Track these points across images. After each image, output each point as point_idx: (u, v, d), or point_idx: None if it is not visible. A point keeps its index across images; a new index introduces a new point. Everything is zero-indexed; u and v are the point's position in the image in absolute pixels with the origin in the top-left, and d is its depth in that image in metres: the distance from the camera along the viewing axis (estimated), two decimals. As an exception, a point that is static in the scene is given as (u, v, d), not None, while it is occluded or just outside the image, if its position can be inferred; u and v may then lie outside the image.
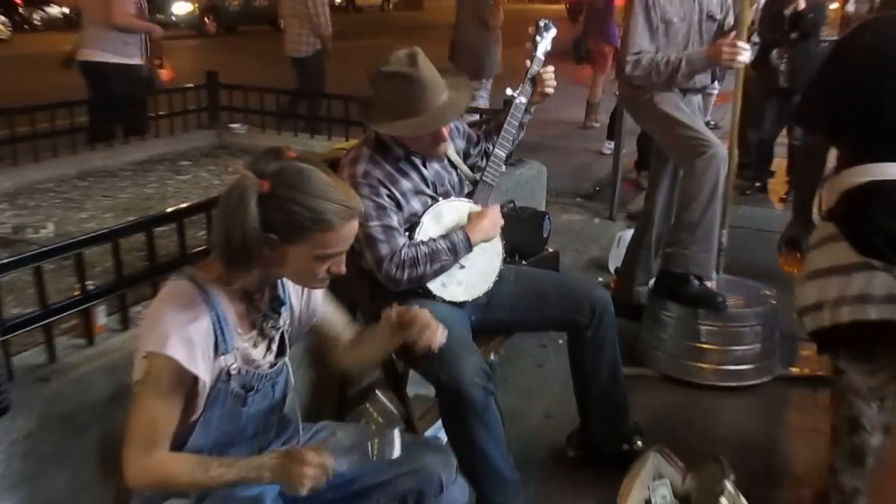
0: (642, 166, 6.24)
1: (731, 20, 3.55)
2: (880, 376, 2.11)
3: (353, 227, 1.66)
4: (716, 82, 3.50)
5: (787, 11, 5.65)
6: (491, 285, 2.56)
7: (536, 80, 2.65)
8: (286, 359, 1.83)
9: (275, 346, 1.80)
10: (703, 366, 3.42)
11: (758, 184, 6.35)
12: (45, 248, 2.05)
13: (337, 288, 1.98)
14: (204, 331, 1.59)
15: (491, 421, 2.27)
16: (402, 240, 2.35)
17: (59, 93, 4.82)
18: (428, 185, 2.46)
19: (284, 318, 1.83)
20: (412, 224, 2.41)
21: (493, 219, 2.52)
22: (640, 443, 2.78)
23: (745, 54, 3.30)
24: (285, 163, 1.61)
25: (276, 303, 1.80)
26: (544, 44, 2.72)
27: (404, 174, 2.40)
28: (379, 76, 2.32)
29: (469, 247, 2.43)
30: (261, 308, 1.75)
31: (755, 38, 3.78)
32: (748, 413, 3.21)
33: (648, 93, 3.50)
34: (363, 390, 2.78)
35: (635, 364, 3.47)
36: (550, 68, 2.67)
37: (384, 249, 2.31)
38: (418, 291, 2.42)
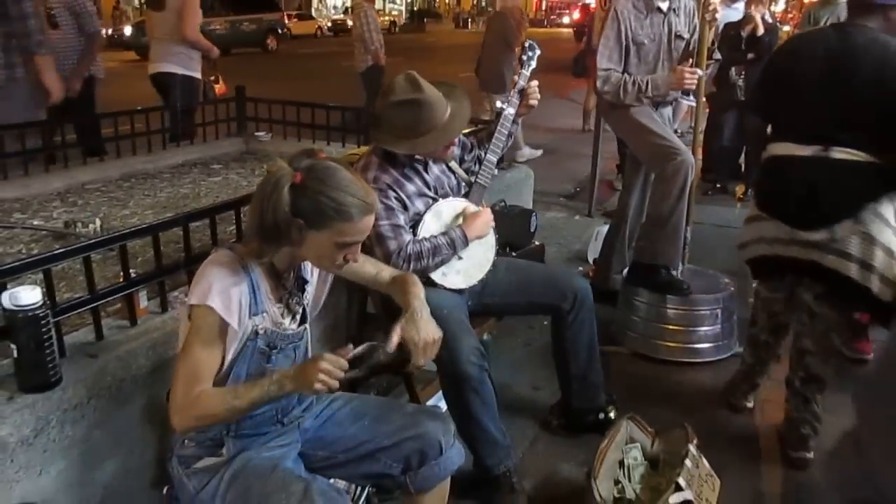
0: (621, 169, 6.23)
1: (695, 38, 3.51)
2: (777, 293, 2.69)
3: (370, 220, 1.69)
4: (690, 94, 3.47)
5: (745, 33, 5.63)
6: (485, 274, 2.56)
7: (523, 94, 2.65)
8: (307, 326, 1.84)
9: (298, 318, 1.80)
10: (670, 344, 3.42)
11: (718, 185, 6.34)
12: (94, 240, 2.05)
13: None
14: (241, 290, 1.62)
15: (485, 393, 2.28)
16: (408, 237, 2.36)
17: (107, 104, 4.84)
18: (429, 188, 2.47)
19: (308, 294, 1.84)
20: (416, 221, 2.41)
21: (487, 219, 2.52)
22: (613, 412, 2.78)
23: (696, 79, 3.33)
24: (316, 160, 1.65)
25: (301, 281, 1.82)
26: (530, 62, 2.72)
27: (409, 179, 2.40)
28: (389, 106, 2.32)
29: (466, 242, 2.44)
30: (287, 286, 1.77)
31: (717, 56, 3.77)
32: (709, 385, 3.21)
33: (624, 105, 3.48)
34: (371, 367, 2.77)
35: (611, 343, 3.47)
36: (535, 83, 2.66)
37: (393, 245, 2.31)
38: (422, 280, 2.41)
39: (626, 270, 3.73)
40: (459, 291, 2.50)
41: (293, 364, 1.74)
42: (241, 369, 1.67)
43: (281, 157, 1.70)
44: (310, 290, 1.85)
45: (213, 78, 5.33)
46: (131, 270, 2.14)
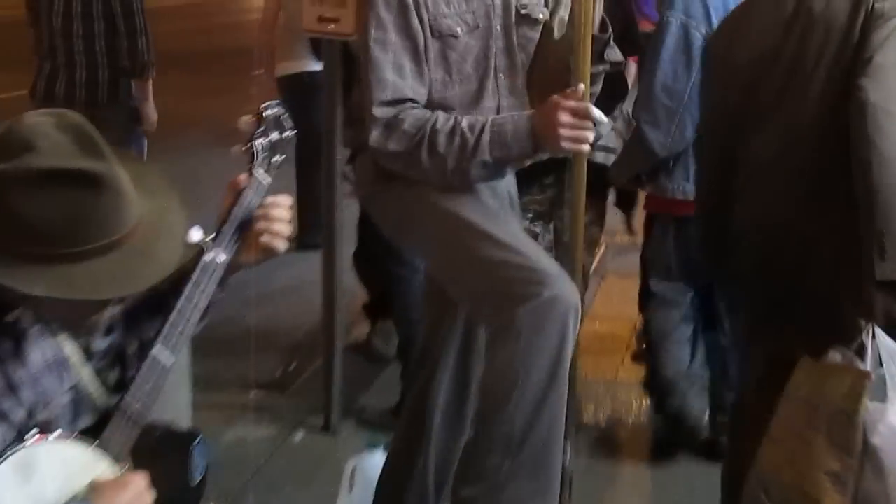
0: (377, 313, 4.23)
1: (564, 15, 2.22)
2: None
3: None
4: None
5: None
6: None
7: (253, 222, 1.53)
8: None
9: None
10: None
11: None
12: None
13: None
14: None
15: None
16: None
17: None
18: (19, 399, 1.38)
19: None
20: None
21: (136, 496, 1.42)
22: None
23: (591, 133, 2.01)
24: None
25: None
26: (272, 151, 1.60)
27: None
28: (20, 177, 1.28)
29: None
30: None
31: (614, 56, 2.48)
32: None
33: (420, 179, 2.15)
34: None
35: None
36: (287, 200, 1.56)
37: None
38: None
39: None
40: None
41: None
42: None
43: None
44: None
45: None
46: None
